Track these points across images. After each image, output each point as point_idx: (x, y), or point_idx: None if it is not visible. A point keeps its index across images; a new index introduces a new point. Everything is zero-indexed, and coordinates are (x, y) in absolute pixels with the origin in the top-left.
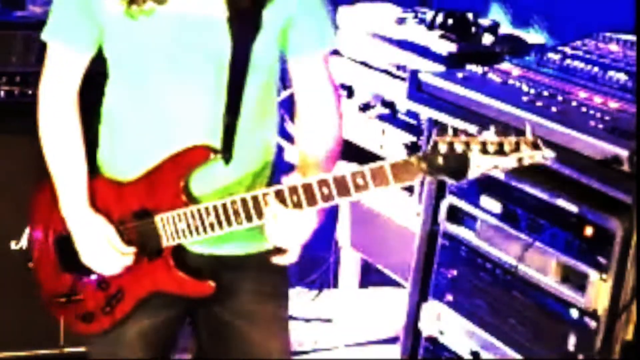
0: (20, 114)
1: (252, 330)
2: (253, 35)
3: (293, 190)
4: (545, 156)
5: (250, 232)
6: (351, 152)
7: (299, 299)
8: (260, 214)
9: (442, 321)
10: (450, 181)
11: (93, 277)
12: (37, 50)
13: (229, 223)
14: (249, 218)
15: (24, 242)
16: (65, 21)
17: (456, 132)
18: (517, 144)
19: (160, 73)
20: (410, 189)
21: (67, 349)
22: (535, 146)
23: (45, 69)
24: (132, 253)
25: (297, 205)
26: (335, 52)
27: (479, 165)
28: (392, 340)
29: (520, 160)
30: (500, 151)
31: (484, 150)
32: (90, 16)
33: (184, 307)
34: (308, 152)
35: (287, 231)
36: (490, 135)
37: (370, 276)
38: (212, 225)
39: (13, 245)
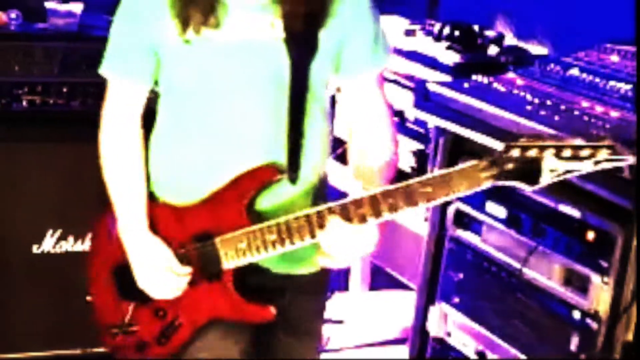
0: (41, 123)
1: (299, 345)
2: (310, 56)
3: (358, 203)
4: (627, 160)
5: (311, 251)
6: None
7: None
8: (322, 229)
9: (449, 322)
10: (522, 187)
11: (150, 305)
12: (58, 61)
13: (292, 241)
14: (312, 234)
15: (45, 246)
16: (124, 53)
17: (530, 137)
18: (595, 149)
19: (220, 96)
20: None
21: (90, 349)
22: (612, 150)
23: (107, 100)
24: (188, 274)
25: (362, 219)
26: None
27: (553, 170)
28: (401, 341)
29: (597, 163)
30: (576, 156)
31: (559, 155)
32: (149, 47)
33: (248, 339)
34: (367, 169)
35: (349, 245)
36: (566, 140)
37: (380, 279)
38: (273, 244)
39: (35, 249)
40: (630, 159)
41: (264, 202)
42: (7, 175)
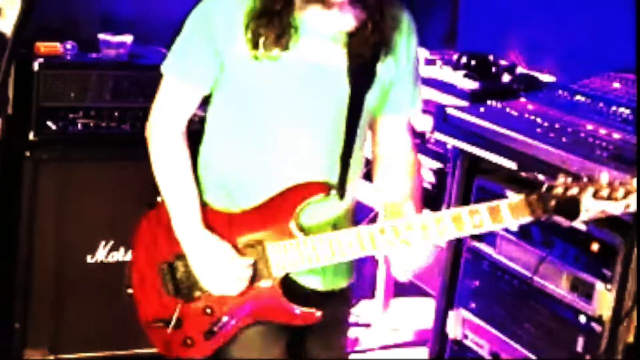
0: (94, 144)
1: (330, 352)
2: (368, 85)
3: (409, 226)
4: None
5: (339, 269)
6: None
7: None
8: (373, 246)
9: (466, 326)
10: (563, 221)
11: (200, 303)
12: (110, 88)
13: (342, 254)
14: (363, 249)
15: (98, 256)
16: (188, 57)
17: (573, 178)
18: (627, 193)
19: (280, 114)
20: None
21: (139, 350)
22: None
23: (159, 101)
24: (251, 265)
25: (414, 237)
26: None
27: (589, 209)
28: (422, 343)
29: (627, 207)
30: (610, 197)
31: (596, 195)
32: (215, 56)
33: (285, 340)
34: (398, 198)
35: (409, 259)
36: (603, 181)
37: (403, 287)
38: (325, 256)
39: (89, 259)
40: None
41: (312, 215)
42: (63, 191)
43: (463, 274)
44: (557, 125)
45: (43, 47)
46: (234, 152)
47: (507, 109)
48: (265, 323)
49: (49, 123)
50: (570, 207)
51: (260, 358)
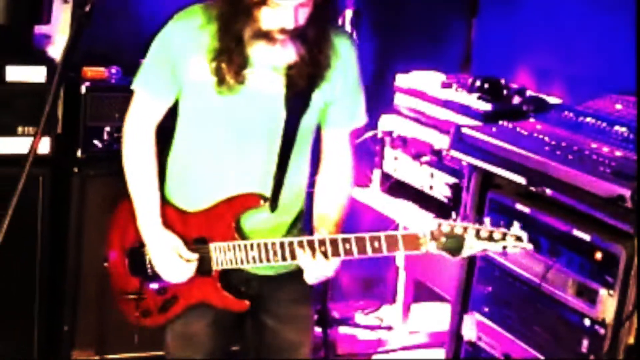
0: None
1: (286, 328)
2: (303, 111)
3: (322, 242)
4: (526, 248)
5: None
6: (407, 192)
7: (366, 311)
8: (292, 257)
9: (479, 328)
10: (447, 257)
11: (155, 284)
12: None
13: (268, 260)
14: (284, 258)
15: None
16: (153, 75)
17: (456, 218)
18: (504, 235)
19: (228, 134)
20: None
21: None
22: (518, 239)
23: (131, 111)
24: (195, 260)
25: (324, 254)
26: (395, 111)
27: (472, 247)
28: (439, 344)
29: (504, 248)
30: (490, 238)
31: (478, 236)
32: (174, 74)
33: (226, 320)
34: (325, 210)
35: (315, 270)
36: (484, 224)
37: (422, 293)
38: (254, 259)
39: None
40: (529, 247)
41: (250, 222)
42: (108, 204)
43: (477, 280)
44: (563, 144)
45: (90, 71)
46: (189, 160)
47: (518, 129)
48: (207, 305)
49: (95, 141)
50: (457, 244)
51: (196, 333)
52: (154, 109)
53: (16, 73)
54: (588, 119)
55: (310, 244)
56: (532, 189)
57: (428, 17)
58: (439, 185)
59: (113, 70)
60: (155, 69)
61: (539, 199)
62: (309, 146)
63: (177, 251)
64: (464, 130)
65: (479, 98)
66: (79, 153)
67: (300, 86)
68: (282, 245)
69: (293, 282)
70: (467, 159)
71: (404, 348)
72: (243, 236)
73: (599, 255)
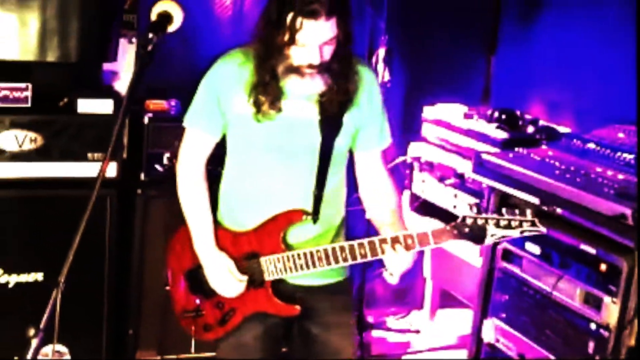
0: None
1: (331, 335)
2: (336, 133)
3: (394, 239)
4: (540, 230)
5: (326, 271)
6: (433, 210)
7: (397, 316)
8: (336, 261)
9: (498, 332)
10: (473, 244)
11: (213, 300)
12: None
13: (314, 265)
14: (329, 263)
15: None
16: (202, 113)
17: (479, 211)
18: (521, 222)
19: (270, 159)
20: None
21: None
22: (532, 224)
23: (183, 147)
24: (245, 279)
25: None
26: (423, 139)
27: (493, 235)
28: (462, 346)
29: (522, 232)
30: (508, 226)
31: (498, 225)
32: (220, 111)
33: (282, 320)
34: (379, 220)
35: (398, 262)
36: (502, 214)
37: (447, 300)
38: (301, 266)
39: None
40: (542, 229)
41: (294, 235)
42: (168, 221)
43: (495, 289)
44: (572, 168)
45: (152, 104)
46: (237, 185)
47: (531, 155)
48: (263, 314)
49: (157, 166)
50: (480, 233)
51: (247, 343)
52: (204, 143)
53: (86, 105)
54: (594, 146)
55: (383, 241)
56: (544, 208)
57: (452, 55)
58: (462, 205)
59: (172, 103)
60: (204, 107)
61: (550, 217)
62: (344, 166)
63: (230, 270)
64: (484, 156)
65: (497, 127)
66: (142, 176)
67: (332, 112)
68: (325, 252)
69: (336, 292)
70: (486, 182)
71: (431, 349)
72: (290, 248)
73: (603, 267)
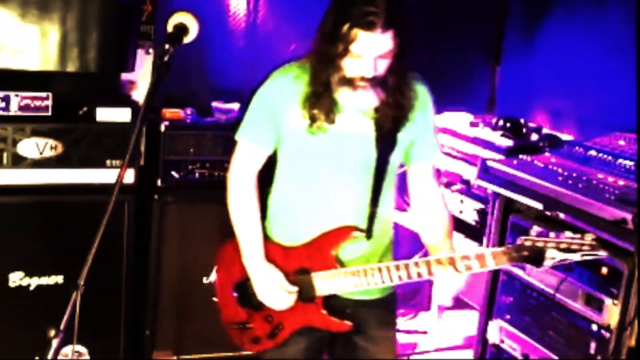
0: (209, 189)
1: (377, 348)
2: (391, 149)
3: (451, 260)
4: (600, 255)
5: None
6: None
7: (404, 317)
8: (391, 279)
9: (502, 333)
10: (532, 267)
11: (262, 313)
12: (221, 145)
13: (368, 284)
14: (382, 281)
15: (211, 278)
16: (256, 127)
17: (540, 234)
18: (581, 245)
19: (324, 173)
20: (481, 242)
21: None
22: (592, 247)
23: (235, 160)
24: (295, 292)
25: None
26: None
27: (554, 258)
28: (468, 346)
29: (583, 256)
30: (568, 249)
31: (558, 248)
32: (274, 125)
33: (328, 334)
34: (430, 237)
35: (450, 283)
36: (563, 237)
37: (453, 302)
38: (355, 285)
39: (204, 280)
40: (602, 254)
41: (346, 252)
42: (184, 226)
43: (500, 292)
44: (574, 174)
45: (168, 112)
46: (288, 200)
47: (535, 162)
48: (311, 328)
49: (173, 172)
50: (538, 257)
51: (292, 357)
52: (257, 157)
53: (105, 114)
54: (595, 153)
55: (439, 261)
56: (548, 213)
57: (459, 65)
58: (468, 210)
59: (188, 112)
60: (258, 121)
61: (554, 221)
62: (395, 181)
63: (279, 283)
64: (489, 163)
65: (502, 135)
66: (159, 182)
67: (387, 127)
68: (380, 270)
69: (382, 307)
70: (491, 188)
71: (438, 349)
72: (341, 265)
73: (605, 270)
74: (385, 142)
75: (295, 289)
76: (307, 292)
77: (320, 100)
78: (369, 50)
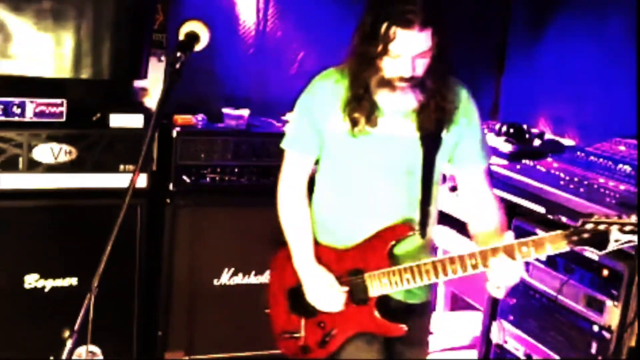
0: (219, 193)
1: (412, 352)
2: (437, 150)
3: (484, 254)
4: None
5: (421, 289)
6: (446, 219)
7: None
8: (445, 273)
9: (506, 333)
10: (595, 251)
11: (314, 319)
12: (231, 150)
13: (421, 279)
14: (437, 275)
15: (222, 280)
16: (301, 135)
17: (600, 215)
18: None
19: (369, 174)
20: None
21: (257, 352)
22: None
23: (284, 169)
24: (345, 292)
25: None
26: None
27: (617, 240)
28: (472, 346)
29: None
30: (633, 231)
31: (622, 230)
32: (317, 131)
33: (381, 346)
34: (482, 240)
35: (506, 273)
36: (628, 219)
37: (458, 303)
38: (408, 280)
39: (215, 282)
40: None
41: (399, 249)
42: (196, 229)
43: None
44: (576, 179)
45: (180, 118)
46: (334, 203)
47: (538, 167)
48: (364, 334)
49: (184, 177)
50: (601, 239)
51: None
52: (304, 164)
53: (118, 120)
54: (596, 159)
55: (495, 250)
56: (550, 217)
57: (463, 73)
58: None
59: (199, 118)
60: (302, 129)
61: (556, 225)
62: (440, 180)
63: (330, 283)
64: (493, 167)
65: (505, 141)
66: (171, 187)
67: (430, 129)
68: (434, 264)
69: (421, 312)
70: (496, 192)
71: (443, 350)
72: (394, 263)
73: (605, 272)
74: (430, 143)
75: (346, 288)
76: (360, 294)
77: (361, 104)
78: (408, 48)
